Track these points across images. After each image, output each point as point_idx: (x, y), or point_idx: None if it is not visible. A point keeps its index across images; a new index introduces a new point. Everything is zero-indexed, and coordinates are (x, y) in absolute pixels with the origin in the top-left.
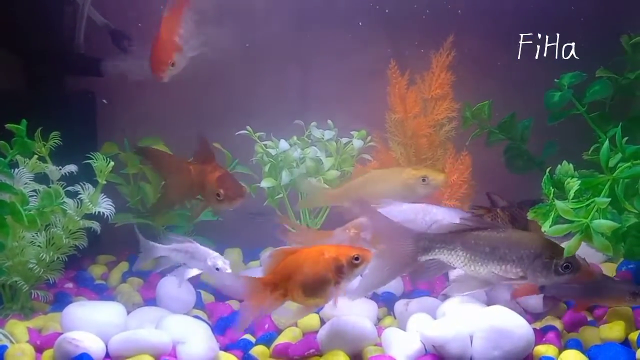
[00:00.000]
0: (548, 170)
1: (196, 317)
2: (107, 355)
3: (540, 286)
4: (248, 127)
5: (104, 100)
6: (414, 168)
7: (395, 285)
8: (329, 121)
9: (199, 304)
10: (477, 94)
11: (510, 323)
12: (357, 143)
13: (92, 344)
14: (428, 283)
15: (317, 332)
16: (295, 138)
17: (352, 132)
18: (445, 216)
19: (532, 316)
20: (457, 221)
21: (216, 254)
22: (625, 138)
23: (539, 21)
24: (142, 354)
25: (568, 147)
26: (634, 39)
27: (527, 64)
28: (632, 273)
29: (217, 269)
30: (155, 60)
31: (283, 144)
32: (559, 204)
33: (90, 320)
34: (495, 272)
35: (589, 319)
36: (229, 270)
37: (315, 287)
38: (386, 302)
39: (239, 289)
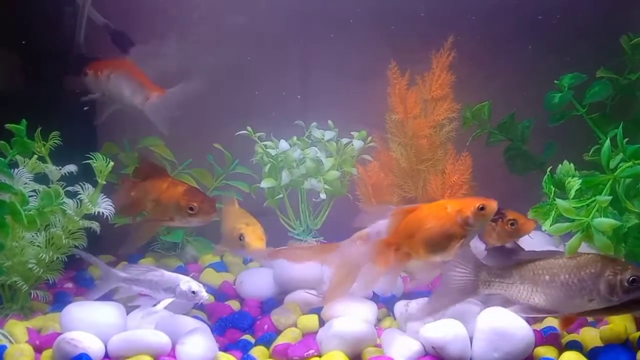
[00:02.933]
0: (549, 169)
1: (195, 317)
2: (107, 355)
3: None
4: (248, 128)
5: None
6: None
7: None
8: (330, 121)
9: (199, 305)
10: (478, 94)
11: (511, 324)
12: (357, 144)
13: (91, 344)
14: (428, 284)
15: (316, 333)
16: (295, 138)
17: (352, 133)
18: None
19: (532, 317)
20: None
21: (186, 277)
22: (626, 139)
23: (540, 22)
24: (141, 354)
25: (569, 148)
26: (633, 40)
27: (529, 64)
28: None
29: (194, 292)
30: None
31: (283, 144)
32: (560, 202)
33: (89, 321)
34: (559, 300)
35: (590, 320)
36: (204, 294)
37: (441, 243)
38: (386, 303)
39: (364, 254)
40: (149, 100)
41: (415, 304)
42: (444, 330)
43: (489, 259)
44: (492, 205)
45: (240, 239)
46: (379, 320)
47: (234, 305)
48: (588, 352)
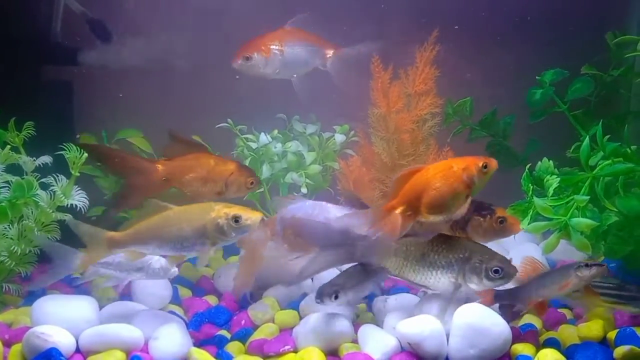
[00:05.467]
0: (527, 167)
1: (171, 312)
2: (78, 350)
3: (495, 295)
4: (229, 120)
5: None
6: (225, 205)
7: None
8: (312, 115)
9: (176, 299)
10: (462, 89)
11: (487, 321)
12: (339, 137)
13: (62, 338)
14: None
15: (294, 328)
16: (276, 132)
17: (334, 127)
18: (338, 214)
19: (511, 314)
20: (348, 221)
21: (156, 257)
22: (607, 136)
23: (524, 18)
24: (113, 349)
25: (554, 145)
26: (618, 37)
27: (512, 60)
28: (613, 272)
29: (165, 271)
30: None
31: (263, 138)
32: (537, 201)
33: (60, 315)
34: (426, 279)
35: (569, 317)
36: (175, 269)
37: (448, 202)
38: (365, 298)
39: (369, 221)
40: (328, 58)
41: (394, 300)
42: (420, 326)
43: None
44: (493, 164)
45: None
46: (357, 315)
47: (211, 300)
48: (566, 349)
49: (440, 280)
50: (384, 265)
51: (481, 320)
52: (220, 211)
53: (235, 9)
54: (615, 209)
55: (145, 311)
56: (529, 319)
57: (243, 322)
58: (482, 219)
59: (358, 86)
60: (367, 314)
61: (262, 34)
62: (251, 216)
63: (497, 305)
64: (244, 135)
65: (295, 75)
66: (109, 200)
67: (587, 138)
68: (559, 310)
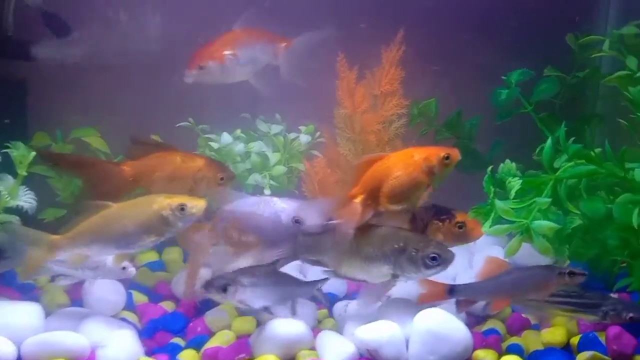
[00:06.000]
0: (489, 169)
1: (123, 319)
2: (19, 359)
3: (449, 289)
4: (190, 119)
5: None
6: (167, 196)
7: (337, 286)
8: (277, 115)
9: (130, 305)
10: (428, 91)
11: (447, 326)
12: (304, 138)
13: (2, 346)
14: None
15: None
16: (239, 131)
17: (300, 127)
18: (286, 207)
19: (475, 319)
20: (299, 212)
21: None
22: (573, 138)
23: (487, 18)
24: (57, 358)
25: (522, 147)
26: (580, 38)
27: (479, 60)
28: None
29: (123, 267)
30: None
31: (225, 137)
32: (498, 203)
33: (2, 321)
34: (363, 272)
35: (533, 322)
36: (133, 269)
37: (408, 192)
38: (327, 303)
39: (329, 211)
40: (280, 54)
41: (355, 304)
42: (379, 331)
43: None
44: (455, 155)
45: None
46: (319, 321)
47: (168, 306)
48: (529, 355)
49: (377, 273)
50: (321, 260)
51: (441, 326)
52: (163, 202)
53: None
54: (578, 212)
55: (94, 318)
56: (492, 323)
57: (199, 329)
58: (440, 224)
59: (312, 77)
60: (329, 319)
61: (211, 41)
62: (196, 204)
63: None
64: (206, 135)
65: (250, 76)
66: (74, 205)
67: (550, 139)
68: (523, 315)
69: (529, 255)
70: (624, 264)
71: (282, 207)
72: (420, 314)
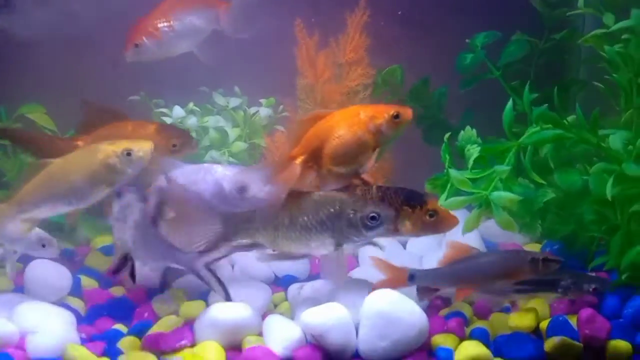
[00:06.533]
0: (447, 136)
1: (63, 304)
2: None
3: (410, 275)
4: (142, 93)
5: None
6: (110, 143)
7: (299, 268)
8: (236, 88)
9: (76, 291)
10: (395, 59)
11: (398, 308)
12: (264, 112)
13: None
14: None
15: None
16: (192, 105)
17: (260, 101)
18: (230, 173)
19: (442, 301)
20: (244, 179)
21: (37, 229)
22: (546, 105)
23: None
24: None
25: (497, 119)
26: None
27: (451, 26)
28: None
29: (43, 245)
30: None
31: (177, 111)
32: (453, 173)
33: None
34: (302, 245)
35: (505, 304)
36: (55, 247)
37: (353, 153)
38: (286, 286)
39: (267, 175)
40: (221, 17)
41: (309, 287)
42: (324, 315)
43: None
44: (407, 113)
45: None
46: (275, 305)
47: (118, 292)
48: (493, 340)
49: (317, 244)
50: (257, 240)
51: (393, 308)
52: (108, 150)
53: None
54: (543, 182)
55: (30, 303)
56: (458, 306)
57: (146, 314)
58: (410, 210)
59: (261, 32)
60: (285, 303)
61: (145, 15)
62: (142, 147)
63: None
64: (159, 109)
65: (193, 47)
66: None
67: (511, 101)
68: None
69: (504, 234)
70: (602, 241)
71: (224, 175)
72: (371, 295)
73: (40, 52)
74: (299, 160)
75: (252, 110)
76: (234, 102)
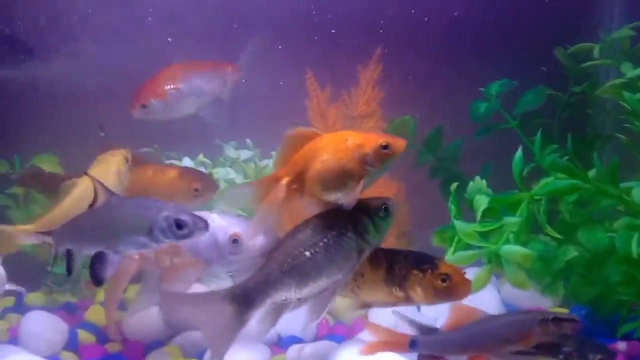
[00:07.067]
0: (454, 186)
1: (55, 359)
2: None
3: (411, 341)
4: (155, 145)
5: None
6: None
7: (305, 329)
8: (248, 140)
9: (72, 345)
10: (409, 110)
11: None
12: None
13: None
14: (346, 327)
15: None
16: (201, 156)
17: (272, 153)
18: (224, 224)
19: None
20: (238, 229)
21: None
22: (557, 152)
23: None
24: None
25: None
26: (569, 49)
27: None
28: (582, 322)
29: None
30: (135, 94)
31: (186, 162)
32: (458, 225)
33: None
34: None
35: None
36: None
37: (336, 180)
38: (287, 347)
39: (249, 194)
40: (228, 80)
41: (310, 349)
42: None
43: None
44: (398, 144)
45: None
46: None
47: (114, 347)
48: None
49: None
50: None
51: None
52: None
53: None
54: (560, 237)
55: (19, 355)
56: None
57: None
58: (420, 275)
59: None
60: None
61: (153, 76)
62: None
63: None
64: (169, 161)
65: (199, 109)
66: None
67: (520, 149)
68: None
69: (530, 298)
70: (634, 305)
71: (220, 225)
72: (342, 352)
73: (57, 101)
74: (284, 181)
75: (264, 163)
76: (245, 154)
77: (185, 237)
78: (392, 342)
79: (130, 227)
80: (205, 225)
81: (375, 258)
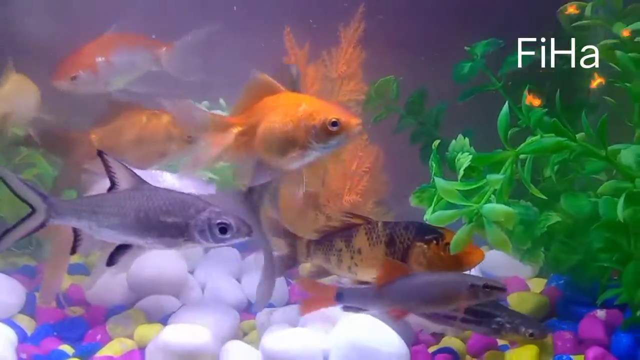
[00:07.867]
0: (436, 143)
1: (9, 322)
2: None
3: (338, 294)
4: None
5: None
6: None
7: (276, 294)
8: (221, 100)
9: (29, 309)
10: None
11: (375, 338)
12: None
13: None
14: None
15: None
16: None
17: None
18: (178, 184)
19: (433, 336)
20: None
21: None
22: (545, 109)
23: None
24: None
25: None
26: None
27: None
28: (561, 291)
29: None
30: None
31: None
32: (439, 182)
33: None
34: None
35: (501, 343)
36: None
37: (279, 144)
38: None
39: (201, 122)
40: (161, 58)
41: (281, 313)
42: (287, 342)
43: None
44: (350, 124)
45: None
46: (245, 333)
47: (76, 311)
48: None
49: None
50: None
51: (368, 337)
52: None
53: None
54: (544, 197)
55: None
56: (449, 341)
57: (99, 337)
58: (425, 246)
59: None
60: (255, 331)
61: (82, 48)
62: None
63: None
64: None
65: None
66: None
67: (507, 105)
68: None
69: (510, 266)
70: (614, 272)
71: (172, 185)
72: (343, 322)
73: None
74: (234, 130)
75: None
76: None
77: (226, 241)
78: (320, 296)
79: (163, 225)
80: (248, 229)
81: (372, 232)
